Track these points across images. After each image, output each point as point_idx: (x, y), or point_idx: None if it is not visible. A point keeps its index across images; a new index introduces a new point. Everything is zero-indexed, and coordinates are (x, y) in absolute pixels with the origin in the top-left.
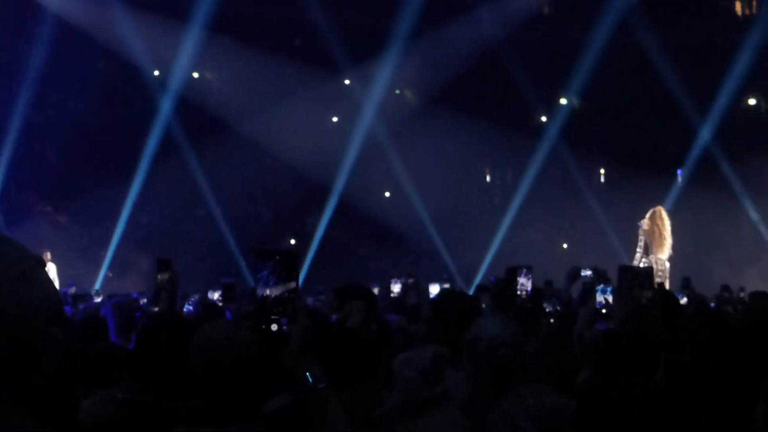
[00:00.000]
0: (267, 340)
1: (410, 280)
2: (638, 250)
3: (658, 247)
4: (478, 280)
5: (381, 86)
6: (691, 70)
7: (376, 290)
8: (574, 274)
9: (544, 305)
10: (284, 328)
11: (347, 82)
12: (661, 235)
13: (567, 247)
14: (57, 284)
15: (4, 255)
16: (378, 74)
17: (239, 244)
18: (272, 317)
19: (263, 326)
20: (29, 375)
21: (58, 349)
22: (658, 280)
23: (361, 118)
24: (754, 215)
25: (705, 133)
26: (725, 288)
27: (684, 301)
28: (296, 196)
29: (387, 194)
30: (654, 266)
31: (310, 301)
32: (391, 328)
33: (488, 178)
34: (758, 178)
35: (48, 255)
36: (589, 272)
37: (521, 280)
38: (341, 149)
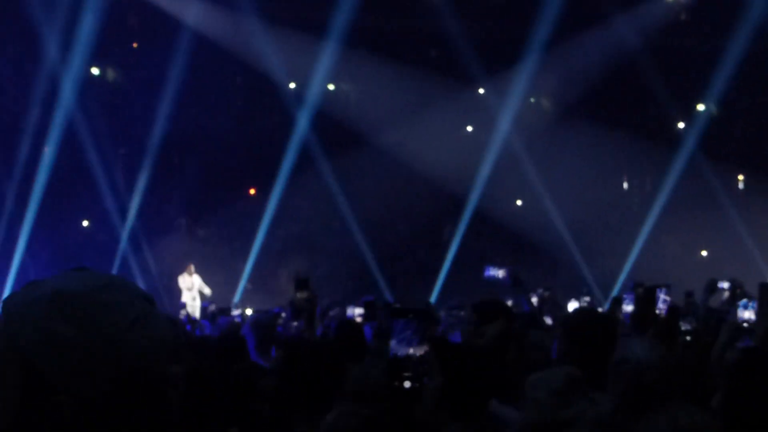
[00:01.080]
0: (400, 396)
1: (546, 293)
2: None
3: None
4: (615, 290)
5: (516, 96)
6: None
7: (510, 302)
8: (712, 287)
9: (684, 321)
10: (416, 384)
11: (482, 91)
12: None
13: (706, 256)
14: (207, 291)
15: (115, 304)
16: (513, 84)
17: (375, 256)
18: (405, 374)
19: (396, 383)
20: (158, 415)
21: (180, 384)
22: None
23: (496, 127)
24: None
25: None
26: None
27: None
28: (432, 207)
29: (519, 203)
30: None
31: (443, 316)
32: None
33: (626, 187)
34: None
35: (192, 267)
36: (727, 284)
37: (661, 296)
38: (476, 159)
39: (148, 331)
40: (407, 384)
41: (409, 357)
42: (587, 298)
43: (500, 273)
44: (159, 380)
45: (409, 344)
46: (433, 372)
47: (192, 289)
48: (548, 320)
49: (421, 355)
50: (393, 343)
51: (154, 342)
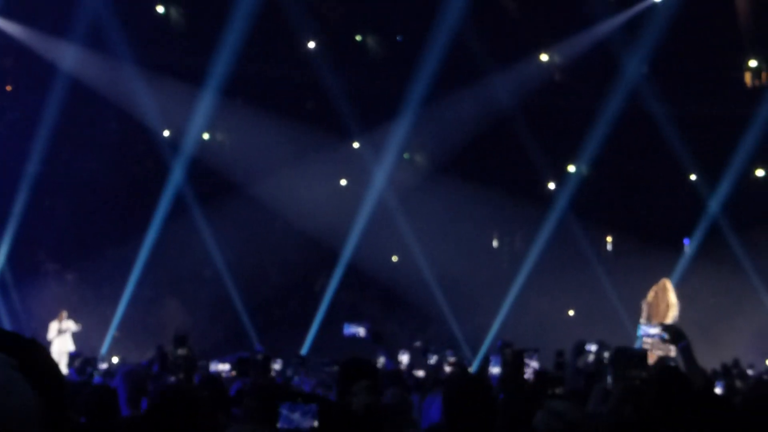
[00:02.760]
0: None
1: (417, 344)
2: (641, 321)
3: (662, 317)
4: (484, 347)
5: (391, 151)
6: (700, 141)
7: (382, 360)
8: (580, 348)
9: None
10: None
11: (357, 145)
12: (665, 305)
13: (573, 315)
14: (71, 345)
15: None
16: (388, 138)
17: (247, 306)
18: None
19: None
20: None
21: None
22: (659, 352)
23: (370, 181)
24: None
25: (713, 204)
26: (735, 364)
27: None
28: (305, 259)
29: (395, 259)
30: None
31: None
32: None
33: (496, 245)
34: (765, 250)
35: (64, 314)
36: (594, 346)
37: (530, 362)
38: (351, 213)
39: (12, 398)
40: None
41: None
42: (452, 358)
43: (360, 330)
44: None
45: (299, 426)
46: None
47: (63, 336)
48: (420, 373)
49: None
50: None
51: (18, 407)
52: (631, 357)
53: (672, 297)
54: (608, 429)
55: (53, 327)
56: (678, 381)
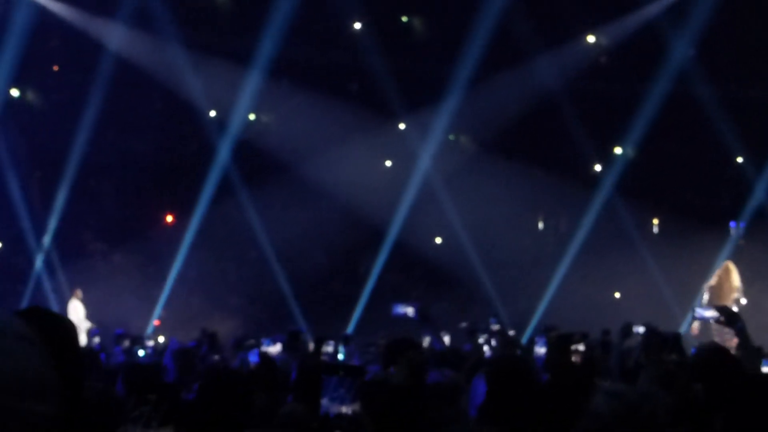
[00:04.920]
0: None
1: (463, 325)
2: (703, 301)
3: (725, 300)
4: (530, 329)
5: (436, 132)
6: (748, 124)
7: (428, 339)
8: (627, 330)
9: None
10: None
11: (402, 126)
12: (729, 288)
13: (619, 297)
14: (83, 323)
15: None
16: (433, 120)
17: (292, 287)
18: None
19: None
20: None
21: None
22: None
23: (415, 163)
24: None
25: (760, 188)
26: None
27: None
28: (350, 239)
29: (439, 240)
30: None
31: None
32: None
33: (541, 226)
34: None
35: (79, 293)
36: (642, 328)
37: (575, 346)
38: (396, 194)
39: (6, 362)
40: None
41: (341, 415)
42: (496, 326)
43: (409, 310)
44: (15, 419)
45: (342, 402)
46: (365, 424)
47: (78, 314)
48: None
49: (353, 413)
50: (325, 401)
51: (9, 373)
52: (664, 340)
53: (736, 280)
54: (665, 410)
55: (73, 306)
56: (729, 362)
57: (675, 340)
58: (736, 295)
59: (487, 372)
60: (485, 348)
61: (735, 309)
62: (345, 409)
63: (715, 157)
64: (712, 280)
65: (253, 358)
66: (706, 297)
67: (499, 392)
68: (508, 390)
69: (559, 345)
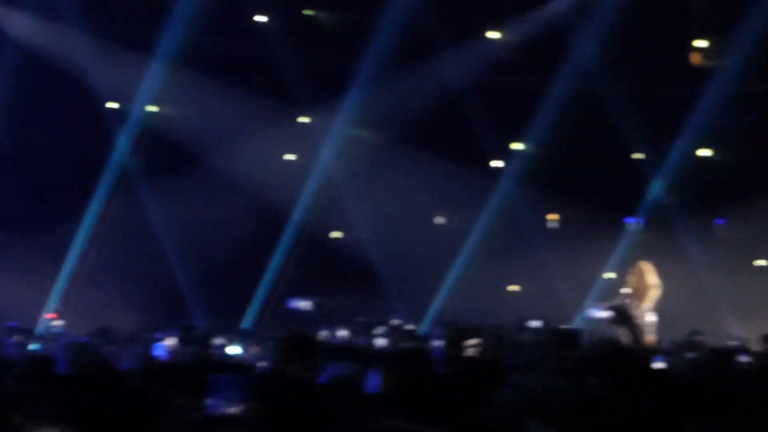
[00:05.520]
0: None
1: (361, 319)
2: (629, 295)
3: (640, 300)
4: (428, 323)
5: (339, 126)
6: (648, 120)
7: (325, 333)
8: (522, 325)
9: None
10: None
11: (306, 120)
12: (647, 287)
13: (517, 292)
14: None
15: None
16: (336, 114)
17: (191, 281)
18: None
19: None
20: None
21: None
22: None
23: (318, 157)
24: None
25: (658, 184)
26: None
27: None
28: (252, 233)
29: (339, 234)
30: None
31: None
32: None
33: (442, 221)
34: (708, 229)
35: None
36: (538, 322)
37: (471, 341)
38: (298, 187)
39: None
40: None
41: (227, 415)
42: (397, 321)
43: (306, 305)
44: None
45: (228, 402)
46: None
47: None
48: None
49: (241, 412)
50: (209, 400)
51: None
52: (563, 337)
53: (652, 278)
54: (565, 402)
55: None
56: (625, 357)
57: (574, 336)
58: (653, 292)
59: (384, 364)
60: (383, 342)
61: (652, 308)
62: (232, 410)
63: (615, 153)
64: (631, 282)
65: (158, 352)
66: (629, 297)
67: (396, 383)
68: (405, 381)
69: (455, 338)
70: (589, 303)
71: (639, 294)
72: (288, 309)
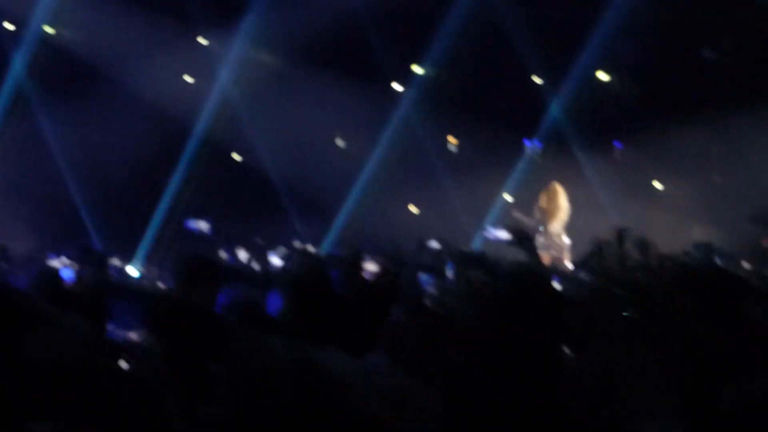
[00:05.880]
0: (119, 378)
1: (258, 240)
2: (537, 219)
3: (555, 221)
4: (328, 245)
5: (238, 47)
6: (547, 44)
7: (223, 255)
8: (421, 245)
9: None
10: (136, 366)
11: (204, 42)
12: (557, 208)
13: (416, 213)
14: None
15: None
16: (235, 35)
17: (90, 203)
18: (124, 355)
19: (115, 365)
20: None
21: None
22: (554, 253)
23: (216, 78)
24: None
25: (557, 107)
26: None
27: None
28: (150, 156)
29: (239, 157)
30: (548, 242)
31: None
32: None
33: (341, 144)
34: (607, 153)
35: None
36: (437, 244)
37: (368, 263)
38: (196, 109)
39: None
40: (126, 365)
41: (128, 341)
42: (298, 244)
43: (203, 225)
44: None
45: (127, 328)
46: (156, 348)
47: None
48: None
49: (140, 337)
50: (110, 326)
51: None
52: (470, 258)
53: (563, 200)
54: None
55: None
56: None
57: (481, 257)
58: (564, 215)
59: (287, 285)
60: (282, 263)
61: (563, 229)
62: (132, 335)
63: (513, 76)
64: (541, 202)
65: (65, 274)
66: (537, 217)
67: (296, 305)
68: (304, 302)
69: (355, 260)
70: (486, 224)
71: (550, 215)
72: (186, 230)
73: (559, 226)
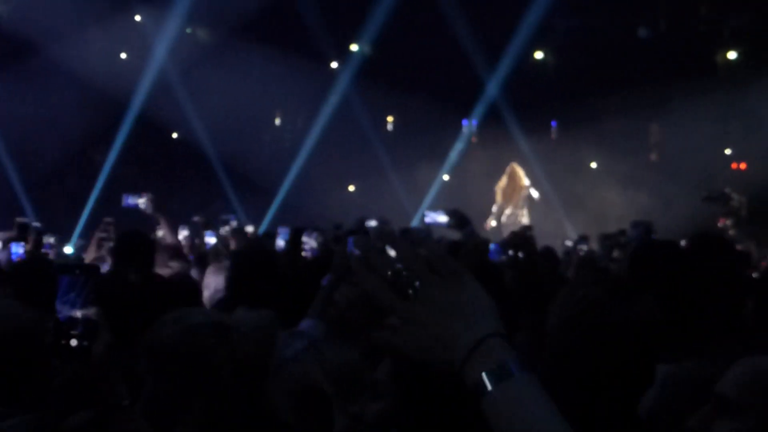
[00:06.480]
0: (68, 355)
1: (196, 218)
2: (493, 210)
3: (515, 200)
4: (267, 223)
5: (172, 24)
6: (482, 23)
7: (161, 233)
8: (360, 224)
9: None
10: (84, 343)
11: (138, 18)
12: (518, 188)
13: (354, 192)
14: None
15: None
16: (169, 11)
17: (24, 182)
18: (72, 333)
19: (63, 342)
20: None
21: None
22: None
23: (151, 55)
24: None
25: (493, 86)
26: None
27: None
28: (85, 133)
29: (175, 135)
30: (507, 221)
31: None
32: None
33: (279, 122)
34: (542, 132)
35: None
36: (374, 223)
37: (308, 240)
38: (131, 87)
39: None
40: (74, 342)
41: (73, 318)
42: (234, 223)
43: (141, 201)
44: None
45: (73, 306)
46: (101, 325)
47: None
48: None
49: (86, 317)
50: (57, 303)
51: None
52: (415, 237)
53: (522, 180)
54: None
55: None
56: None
57: (426, 236)
58: (525, 192)
59: (230, 263)
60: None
61: (524, 206)
62: (78, 313)
63: (450, 55)
64: (501, 182)
65: (15, 251)
66: (498, 198)
67: (242, 280)
68: (250, 278)
69: (293, 239)
70: (426, 206)
71: (510, 196)
72: (123, 207)
73: (518, 200)
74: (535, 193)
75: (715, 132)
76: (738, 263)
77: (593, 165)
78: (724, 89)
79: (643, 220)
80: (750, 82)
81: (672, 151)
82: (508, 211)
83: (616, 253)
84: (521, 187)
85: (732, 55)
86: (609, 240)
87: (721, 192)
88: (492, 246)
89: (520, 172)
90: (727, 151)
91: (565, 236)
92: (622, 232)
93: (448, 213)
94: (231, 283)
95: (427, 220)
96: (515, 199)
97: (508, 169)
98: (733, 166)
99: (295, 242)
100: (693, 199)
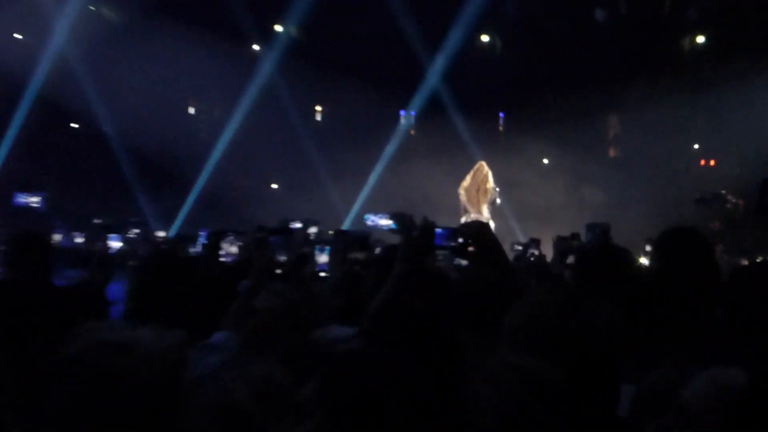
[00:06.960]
0: None
1: (97, 221)
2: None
3: (477, 203)
4: (178, 223)
5: (74, 2)
6: (424, 3)
7: (58, 237)
8: (285, 227)
9: None
10: None
11: None
12: (483, 189)
13: (278, 189)
14: None
15: None
16: None
17: None
18: None
19: None
20: None
21: None
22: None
23: (50, 35)
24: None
25: (434, 73)
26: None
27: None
28: None
29: (76, 125)
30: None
31: None
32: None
33: (193, 111)
34: (492, 123)
35: None
36: (299, 224)
37: (229, 245)
38: (27, 69)
39: None
40: None
41: None
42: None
43: (34, 200)
44: None
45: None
46: None
47: None
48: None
49: None
50: None
51: None
52: (353, 239)
53: (488, 179)
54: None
55: None
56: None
57: (364, 239)
58: (491, 195)
59: (140, 269)
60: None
61: (487, 210)
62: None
63: (387, 39)
64: (465, 181)
65: None
66: (462, 198)
67: (152, 288)
68: (162, 286)
69: (211, 242)
70: (359, 207)
71: (476, 194)
72: (15, 206)
73: (483, 204)
74: (498, 200)
75: (681, 125)
76: (712, 264)
77: (545, 161)
78: (691, 77)
79: (599, 222)
80: (719, 68)
81: (633, 145)
82: (473, 215)
83: (570, 259)
84: (486, 190)
85: (700, 39)
86: (562, 244)
87: (715, 193)
88: (438, 231)
89: (488, 173)
90: (695, 146)
91: (513, 239)
92: (576, 236)
93: (392, 216)
94: (134, 294)
95: (369, 223)
96: (477, 202)
97: (474, 168)
98: (702, 162)
99: (212, 246)
100: (656, 197)
